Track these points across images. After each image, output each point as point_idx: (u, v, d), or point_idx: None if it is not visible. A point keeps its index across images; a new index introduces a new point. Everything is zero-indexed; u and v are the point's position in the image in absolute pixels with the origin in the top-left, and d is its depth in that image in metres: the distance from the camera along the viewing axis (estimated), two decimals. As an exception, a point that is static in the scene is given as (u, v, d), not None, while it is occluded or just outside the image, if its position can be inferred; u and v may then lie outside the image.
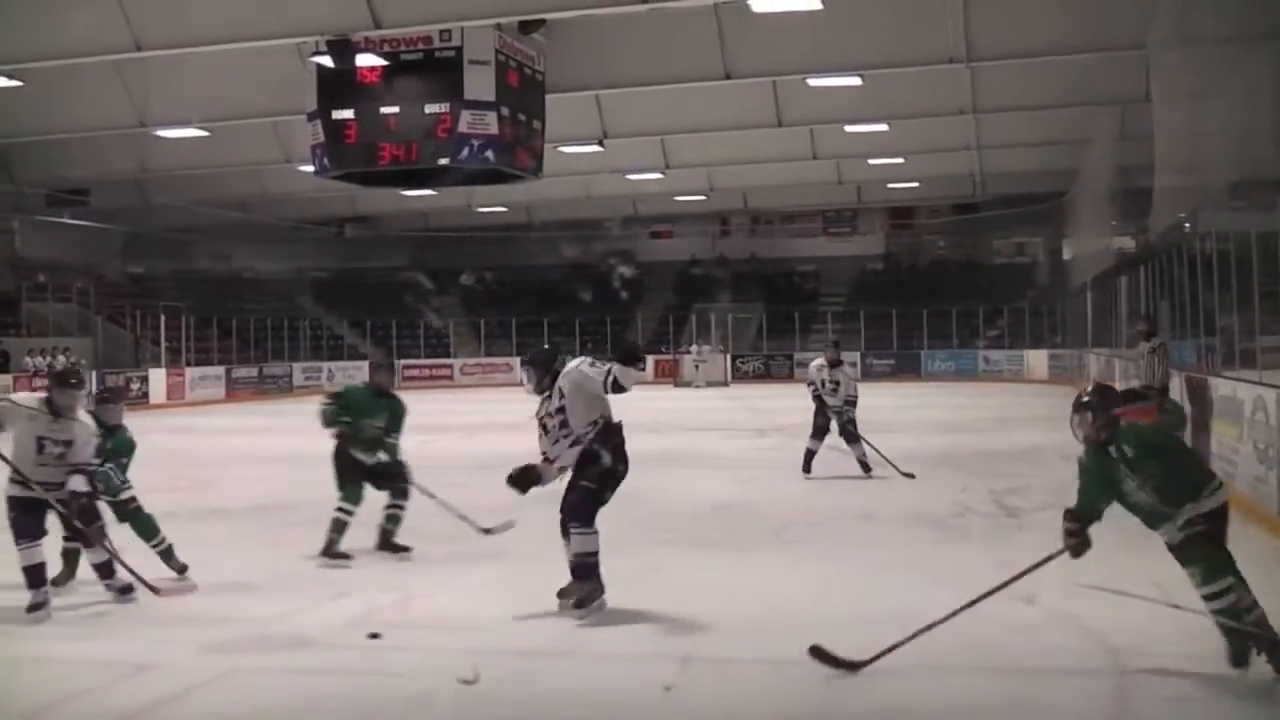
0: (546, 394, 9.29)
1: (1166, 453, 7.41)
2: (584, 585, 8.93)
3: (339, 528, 11.15)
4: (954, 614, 7.51)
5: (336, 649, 8.08)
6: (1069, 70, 23.79)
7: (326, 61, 20.78)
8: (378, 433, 11.33)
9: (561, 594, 9.11)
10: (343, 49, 20.05)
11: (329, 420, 11.39)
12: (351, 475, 11.31)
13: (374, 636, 8.15)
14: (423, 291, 53.29)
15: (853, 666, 7.34)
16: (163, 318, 40.73)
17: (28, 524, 8.75)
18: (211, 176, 34.78)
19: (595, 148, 29.04)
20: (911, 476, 16.14)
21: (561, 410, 9.11)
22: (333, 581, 10.18)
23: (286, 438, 24.90)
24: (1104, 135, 29.12)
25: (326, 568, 10.79)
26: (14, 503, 8.84)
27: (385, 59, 21.58)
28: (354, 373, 47.44)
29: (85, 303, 40.92)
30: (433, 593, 9.81)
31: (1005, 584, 7.71)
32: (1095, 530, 7.46)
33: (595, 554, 8.93)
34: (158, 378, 38.24)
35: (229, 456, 21.56)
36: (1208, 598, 7.13)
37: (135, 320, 41.95)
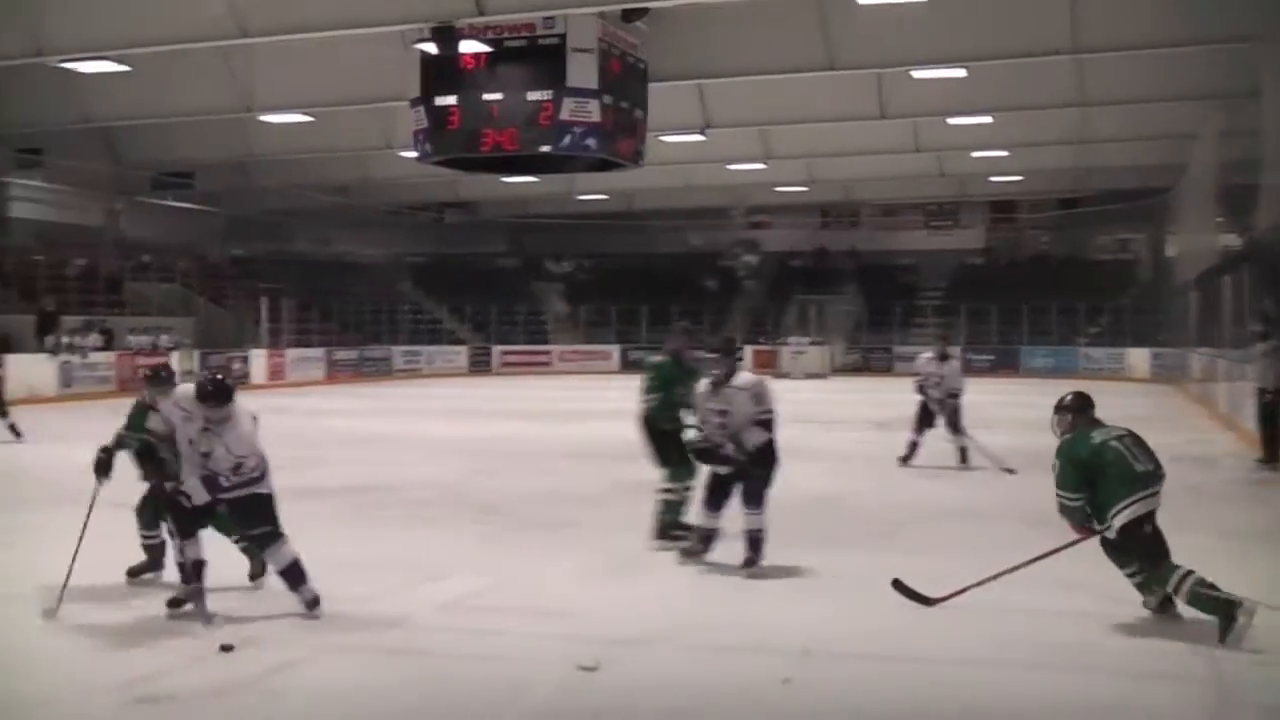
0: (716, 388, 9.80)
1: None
2: (755, 554, 9.71)
3: (672, 509, 10.90)
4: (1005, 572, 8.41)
5: (431, 631, 8.12)
6: (1176, 64, 23.51)
7: (430, 48, 20.88)
8: (684, 401, 11.01)
9: (686, 552, 10.11)
10: (447, 36, 20.13)
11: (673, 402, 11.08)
12: (672, 453, 10.94)
13: (226, 649, 7.61)
14: (525, 276, 53.45)
15: (929, 601, 8.47)
16: (264, 299, 41.12)
17: (188, 520, 8.55)
18: (314, 161, 35.14)
19: (697, 137, 29.03)
20: (1012, 472, 16.01)
21: (725, 413, 9.63)
22: (428, 564, 10.24)
23: (385, 420, 25.13)
24: (1211, 130, 28.73)
25: (423, 549, 10.87)
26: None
27: (489, 46, 21.67)
28: (452, 357, 47.79)
29: (188, 283, 41.42)
30: (529, 576, 9.84)
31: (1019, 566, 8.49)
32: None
33: (764, 529, 9.71)
34: (259, 358, 38.69)
35: (328, 437, 21.70)
36: None
37: (237, 301, 42.42)
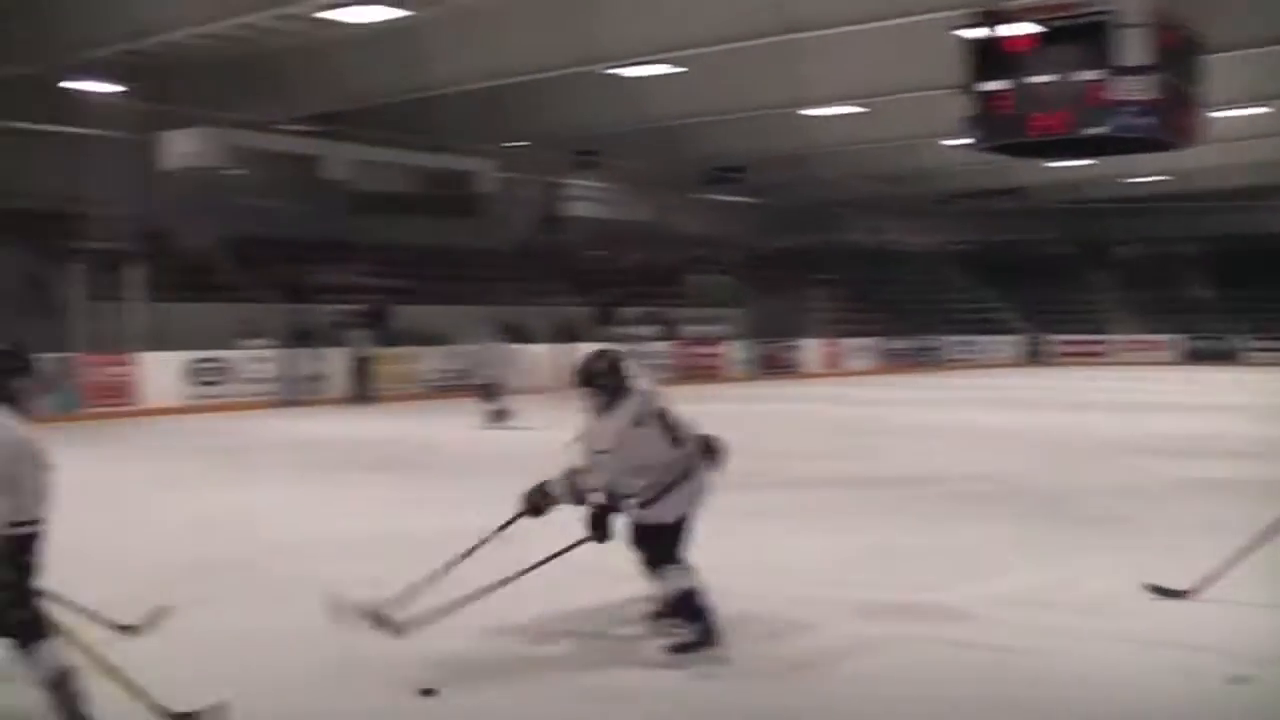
0: None
1: None
2: None
3: None
4: None
5: (991, 624, 8.04)
6: None
7: (976, 33, 20.71)
8: None
9: None
10: (992, 19, 19.94)
11: None
12: None
13: (428, 693, 6.45)
14: (1079, 263, 52.11)
15: (1183, 594, 8.31)
16: (816, 290, 41.75)
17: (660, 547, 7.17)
18: (864, 152, 35.37)
19: (1259, 109, 27.66)
20: None
21: None
22: (984, 556, 10.21)
23: (939, 410, 25.22)
24: None
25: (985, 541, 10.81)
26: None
27: (1038, 26, 21.30)
28: (1004, 347, 47.05)
29: (740, 275, 42.51)
30: (1087, 574, 9.55)
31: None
32: None
33: None
34: (811, 348, 39.33)
35: (882, 427, 21.83)
36: None
37: (787, 291, 43.19)
